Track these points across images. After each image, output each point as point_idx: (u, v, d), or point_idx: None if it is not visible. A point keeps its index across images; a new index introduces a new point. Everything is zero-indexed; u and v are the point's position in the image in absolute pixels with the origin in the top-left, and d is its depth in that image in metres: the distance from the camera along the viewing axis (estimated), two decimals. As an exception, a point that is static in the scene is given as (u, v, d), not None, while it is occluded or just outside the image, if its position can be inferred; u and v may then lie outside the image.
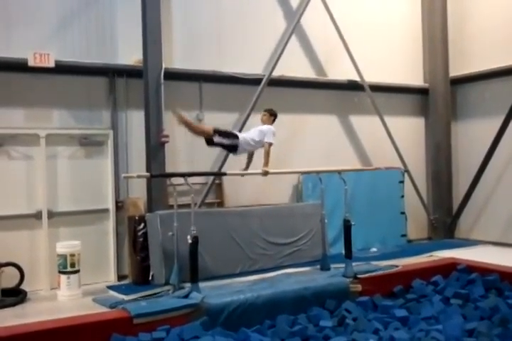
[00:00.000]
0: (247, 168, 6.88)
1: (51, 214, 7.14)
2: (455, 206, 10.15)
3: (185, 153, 8.11)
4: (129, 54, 7.66)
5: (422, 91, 10.51)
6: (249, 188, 8.50)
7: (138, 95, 7.64)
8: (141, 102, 7.61)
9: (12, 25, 7.01)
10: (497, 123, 9.18)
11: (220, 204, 8.39)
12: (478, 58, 9.80)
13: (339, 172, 7.15)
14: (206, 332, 5.05)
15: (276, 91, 8.75)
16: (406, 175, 9.90)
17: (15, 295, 6.44)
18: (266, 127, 6.68)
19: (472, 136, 10.08)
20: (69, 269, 6.60)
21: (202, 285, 5.92)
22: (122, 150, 7.69)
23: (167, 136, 7.60)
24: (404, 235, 9.79)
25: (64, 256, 6.61)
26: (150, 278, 6.95)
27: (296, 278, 6.65)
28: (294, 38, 9.01)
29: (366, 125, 9.90)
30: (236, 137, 6.47)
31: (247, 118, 8.34)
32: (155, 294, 6.32)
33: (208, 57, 8.31)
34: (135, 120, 7.76)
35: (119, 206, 7.62)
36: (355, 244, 7.36)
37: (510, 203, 9.36)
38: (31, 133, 7.04)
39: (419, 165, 10.56)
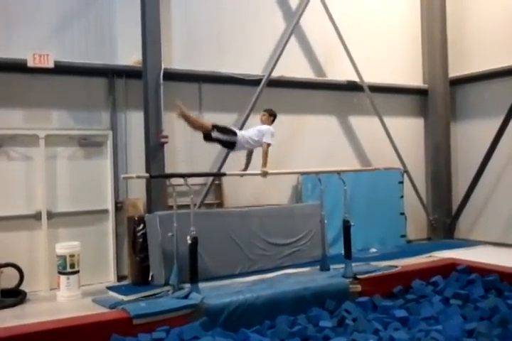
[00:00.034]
0: (246, 168, 6.86)
1: (50, 215, 7.14)
2: (454, 206, 10.15)
3: (185, 153, 8.11)
4: (129, 54, 7.66)
5: (421, 92, 10.52)
6: (249, 189, 8.50)
7: (137, 96, 7.64)
8: (140, 103, 7.61)
9: (11, 25, 7.01)
10: (496, 123, 9.19)
11: (220, 204, 8.39)
12: (478, 58, 9.80)
13: (338, 172, 7.15)
14: (206, 333, 5.05)
15: (275, 92, 8.75)
16: (405, 175, 9.91)
17: (14, 296, 6.43)
18: (265, 127, 6.67)
19: (471, 136, 10.08)
20: (68, 270, 6.60)
21: (201, 285, 5.92)
22: (122, 150, 7.69)
23: (166, 137, 7.60)
24: (403, 235, 9.79)
25: (63, 257, 6.61)
26: (149, 278, 6.95)
27: (295, 278, 6.65)
28: (293, 38, 9.02)
29: (365, 125, 9.90)
30: (234, 134, 6.46)
31: (247, 119, 8.34)
32: (154, 295, 6.33)
33: (207, 58, 8.31)
34: (134, 120, 7.76)
35: (119, 207, 7.62)
36: (354, 245, 7.35)
37: (510, 203, 9.36)
38: (30, 133, 7.04)
39: (419, 166, 10.56)
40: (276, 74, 8.67)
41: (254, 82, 8.48)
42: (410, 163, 10.05)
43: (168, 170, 7.65)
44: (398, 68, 10.28)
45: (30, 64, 6.80)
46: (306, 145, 9.22)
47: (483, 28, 9.73)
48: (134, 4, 7.54)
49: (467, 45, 10.05)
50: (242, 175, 7.16)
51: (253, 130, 6.67)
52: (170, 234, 6.16)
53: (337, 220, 7.64)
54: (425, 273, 6.87)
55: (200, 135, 6.47)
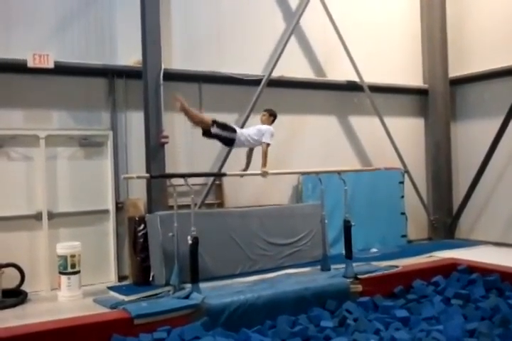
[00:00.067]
0: (246, 168, 6.86)
1: (51, 215, 7.14)
2: (455, 206, 10.15)
3: (185, 153, 8.11)
4: (129, 55, 7.66)
5: (421, 92, 10.52)
6: (249, 189, 8.50)
7: (137, 96, 7.64)
8: (140, 103, 7.61)
9: (11, 26, 7.01)
10: (496, 123, 9.19)
11: (220, 204, 8.39)
12: (478, 58, 9.80)
13: (339, 172, 7.14)
14: (207, 333, 5.04)
15: (275, 92, 8.75)
16: (406, 175, 9.91)
17: (15, 296, 6.44)
18: (265, 127, 6.66)
19: (472, 136, 10.08)
20: (69, 270, 6.60)
21: (202, 285, 5.91)
22: (122, 151, 7.69)
23: (167, 137, 7.60)
24: (404, 235, 9.80)
25: (64, 257, 6.62)
26: (150, 278, 6.95)
27: (296, 278, 6.64)
28: (293, 38, 9.02)
29: (366, 125, 9.90)
30: (234, 131, 6.45)
31: (247, 119, 8.34)
32: (155, 295, 6.33)
33: (207, 58, 8.31)
34: (134, 121, 7.76)
35: (119, 207, 7.62)
36: (355, 245, 7.34)
37: (511, 203, 9.36)
38: (31, 134, 7.04)
39: (419, 166, 10.56)
40: (276, 74, 8.67)
41: (254, 82, 8.48)
42: (411, 163, 10.05)
43: (168, 170, 7.65)
44: (398, 68, 10.28)
45: (30, 64, 6.80)
46: (307, 145, 9.22)
47: (484, 27, 9.73)
48: (134, 4, 7.54)
49: (467, 44, 10.05)
50: (242, 175, 7.15)
51: (253, 129, 6.67)
52: (170, 234, 6.16)
53: (338, 220, 7.64)
54: (426, 273, 6.86)
55: (200, 135, 6.47)
